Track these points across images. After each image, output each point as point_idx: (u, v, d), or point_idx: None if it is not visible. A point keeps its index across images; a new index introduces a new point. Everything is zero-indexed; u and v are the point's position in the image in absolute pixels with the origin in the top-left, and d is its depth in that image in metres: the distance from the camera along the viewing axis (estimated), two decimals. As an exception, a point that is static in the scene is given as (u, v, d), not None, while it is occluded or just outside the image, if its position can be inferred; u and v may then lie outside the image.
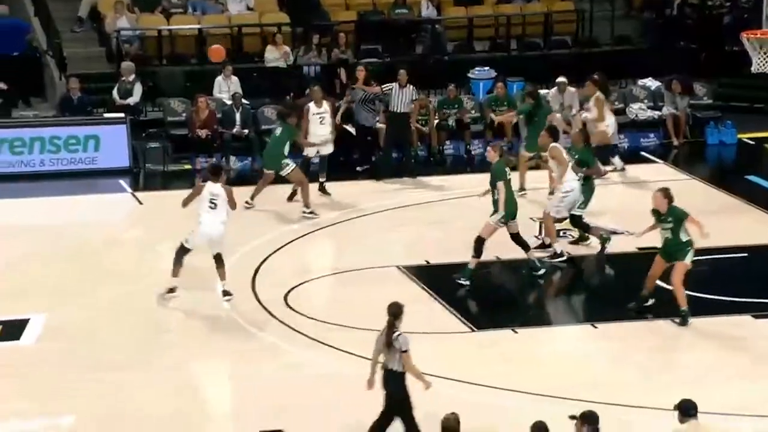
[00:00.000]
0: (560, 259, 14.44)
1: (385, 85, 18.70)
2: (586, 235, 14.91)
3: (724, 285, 13.53)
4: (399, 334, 9.34)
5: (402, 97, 18.59)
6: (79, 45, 21.67)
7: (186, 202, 13.13)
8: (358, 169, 18.76)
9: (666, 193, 12.55)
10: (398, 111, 18.62)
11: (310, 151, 17.32)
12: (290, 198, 16.95)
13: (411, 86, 18.70)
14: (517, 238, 13.80)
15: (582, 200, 14.54)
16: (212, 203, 12.74)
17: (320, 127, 17.37)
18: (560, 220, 14.76)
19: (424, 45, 22.26)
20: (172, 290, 12.97)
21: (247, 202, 16.41)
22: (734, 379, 11.37)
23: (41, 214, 17.06)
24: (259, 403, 10.54)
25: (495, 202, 13.62)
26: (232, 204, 12.93)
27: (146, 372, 11.70)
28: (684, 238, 12.51)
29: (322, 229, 16.00)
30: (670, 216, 12.49)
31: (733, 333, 12.44)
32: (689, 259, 12.50)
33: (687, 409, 8.54)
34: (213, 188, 12.82)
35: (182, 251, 12.94)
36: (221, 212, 12.77)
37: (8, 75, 20.14)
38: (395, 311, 9.45)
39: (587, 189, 14.64)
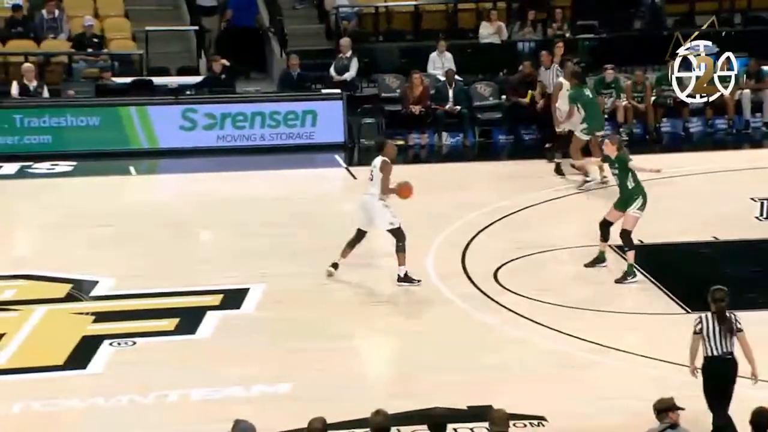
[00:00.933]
0: None
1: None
2: None
3: None
4: (735, 316, 9.00)
5: (549, 78, 18.39)
6: (299, 22, 22.22)
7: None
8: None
9: None
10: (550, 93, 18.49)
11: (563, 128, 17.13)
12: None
13: (555, 66, 18.44)
14: (609, 225, 13.20)
15: None
16: (371, 174, 12.94)
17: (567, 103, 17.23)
18: None
19: (643, 20, 21.74)
20: (334, 266, 13.14)
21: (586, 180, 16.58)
22: None
23: (261, 186, 17.63)
24: (465, 378, 10.59)
25: (631, 191, 12.98)
26: (384, 187, 12.79)
27: (358, 340, 11.93)
28: None
29: (535, 206, 15.96)
30: None
31: None
32: None
33: None
34: (375, 161, 13.02)
35: (357, 234, 13.10)
36: (375, 185, 12.87)
37: (234, 49, 20.82)
38: (723, 296, 9.01)
39: None
